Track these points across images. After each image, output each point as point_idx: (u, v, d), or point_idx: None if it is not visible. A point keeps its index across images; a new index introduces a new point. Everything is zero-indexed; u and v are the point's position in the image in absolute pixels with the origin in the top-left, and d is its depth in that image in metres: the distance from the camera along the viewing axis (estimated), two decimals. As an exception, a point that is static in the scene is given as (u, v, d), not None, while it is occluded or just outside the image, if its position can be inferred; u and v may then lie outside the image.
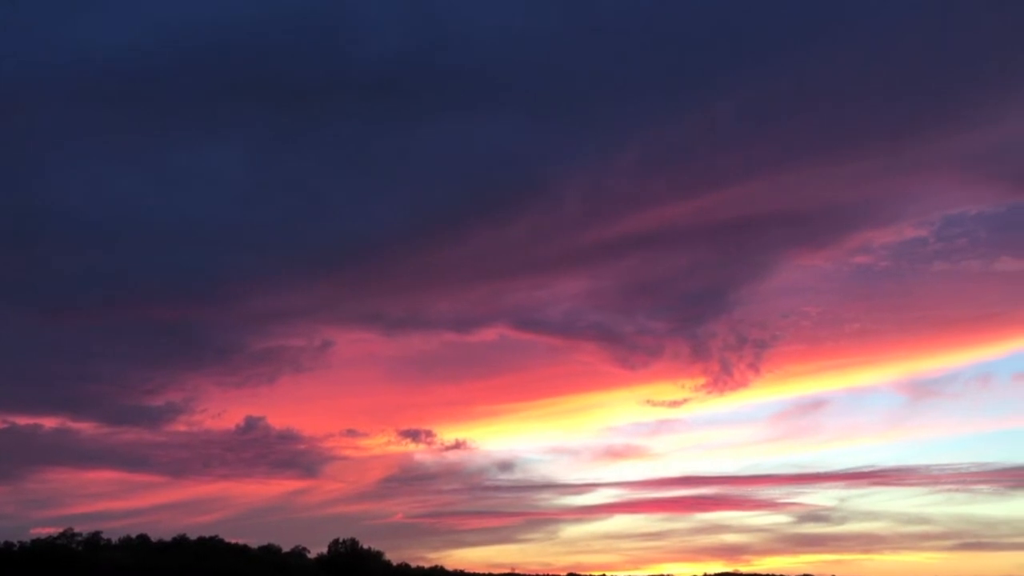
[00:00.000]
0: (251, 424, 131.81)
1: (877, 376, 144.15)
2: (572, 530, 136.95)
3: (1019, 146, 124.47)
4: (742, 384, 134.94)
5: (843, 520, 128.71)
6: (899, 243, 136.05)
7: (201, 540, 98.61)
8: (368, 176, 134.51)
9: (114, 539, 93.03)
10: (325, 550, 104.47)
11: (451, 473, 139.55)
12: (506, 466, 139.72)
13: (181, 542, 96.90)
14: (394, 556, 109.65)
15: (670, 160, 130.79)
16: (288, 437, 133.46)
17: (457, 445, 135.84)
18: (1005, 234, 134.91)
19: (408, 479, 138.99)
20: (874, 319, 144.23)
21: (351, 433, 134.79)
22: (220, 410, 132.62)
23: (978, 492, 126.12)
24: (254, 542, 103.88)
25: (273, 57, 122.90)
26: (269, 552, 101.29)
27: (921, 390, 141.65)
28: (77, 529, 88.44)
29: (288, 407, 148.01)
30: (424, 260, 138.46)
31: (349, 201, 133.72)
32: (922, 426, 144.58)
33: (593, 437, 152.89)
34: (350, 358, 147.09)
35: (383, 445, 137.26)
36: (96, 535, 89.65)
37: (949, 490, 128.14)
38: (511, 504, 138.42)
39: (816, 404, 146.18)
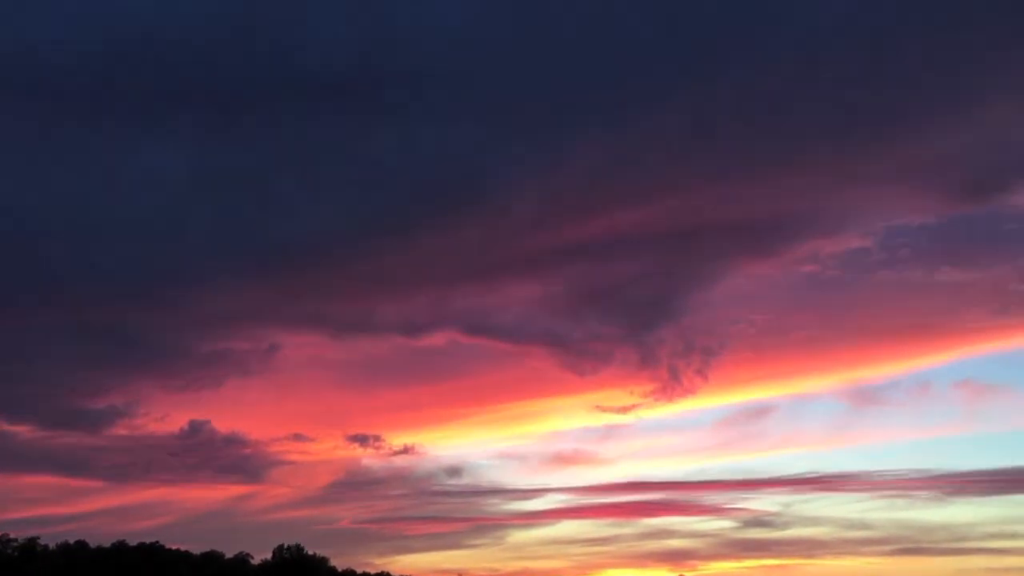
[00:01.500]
0: (195, 428, 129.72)
1: (821, 384, 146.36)
2: (520, 535, 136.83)
3: (960, 159, 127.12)
4: (690, 391, 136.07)
5: (787, 525, 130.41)
6: (844, 252, 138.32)
7: (141, 546, 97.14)
8: (316, 178, 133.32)
9: (51, 545, 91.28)
10: (270, 556, 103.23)
11: (399, 478, 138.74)
12: (454, 471, 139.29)
13: (120, 548, 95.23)
14: (340, 562, 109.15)
15: (621, 168, 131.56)
16: (233, 441, 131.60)
17: (405, 450, 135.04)
18: (946, 245, 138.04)
19: (355, 484, 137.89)
20: (819, 327, 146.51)
21: (298, 438, 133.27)
22: (163, 414, 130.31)
23: (917, 498, 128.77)
24: (196, 548, 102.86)
25: (219, 56, 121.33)
26: (211, 558, 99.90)
27: (863, 397, 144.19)
28: (13, 535, 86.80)
29: (234, 411, 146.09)
30: (373, 264, 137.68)
31: (297, 203, 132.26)
32: (864, 433, 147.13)
33: (542, 443, 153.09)
34: (297, 362, 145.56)
35: (330, 450, 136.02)
36: (33, 541, 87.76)
37: (889, 496, 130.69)
38: (459, 509, 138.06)
39: (761, 411, 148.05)
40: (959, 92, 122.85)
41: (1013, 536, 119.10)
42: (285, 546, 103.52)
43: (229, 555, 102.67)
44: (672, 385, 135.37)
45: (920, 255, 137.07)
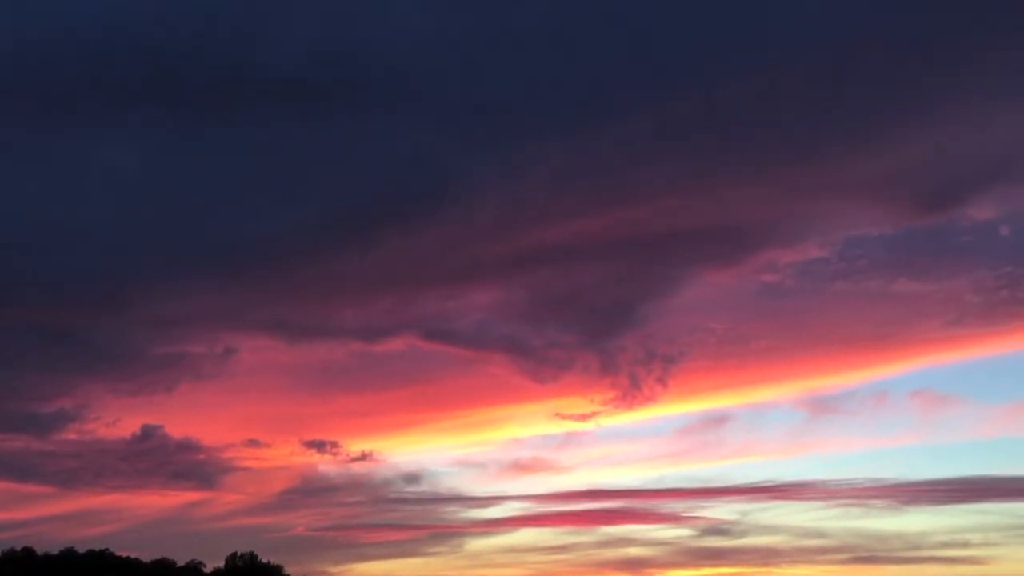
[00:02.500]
0: (147, 433, 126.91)
1: (779, 392, 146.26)
2: (478, 543, 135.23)
3: (918, 171, 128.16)
4: (650, 399, 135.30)
5: (743, 533, 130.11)
6: (803, 262, 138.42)
7: (90, 553, 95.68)
8: (274, 179, 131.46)
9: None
10: (222, 564, 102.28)
11: (355, 485, 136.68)
12: (412, 478, 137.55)
13: (69, 555, 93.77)
14: (295, 570, 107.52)
15: (584, 174, 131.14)
16: (187, 447, 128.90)
17: (363, 456, 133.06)
18: (903, 256, 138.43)
19: (311, 491, 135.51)
20: (778, 336, 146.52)
21: (253, 443, 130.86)
22: (114, 418, 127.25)
23: (872, 507, 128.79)
24: (147, 556, 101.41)
25: (177, 54, 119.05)
26: (162, 566, 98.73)
27: (820, 407, 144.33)
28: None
29: (187, 416, 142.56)
30: (332, 267, 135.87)
31: (254, 204, 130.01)
32: (820, 442, 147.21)
33: (501, 450, 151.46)
34: (253, 366, 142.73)
35: (286, 456, 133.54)
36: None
37: (845, 505, 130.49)
38: (416, 517, 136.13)
39: (720, 419, 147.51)
40: (918, 105, 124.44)
41: (965, 545, 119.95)
42: (238, 554, 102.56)
43: (181, 563, 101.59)
44: (632, 393, 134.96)
45: (878, 266, 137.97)
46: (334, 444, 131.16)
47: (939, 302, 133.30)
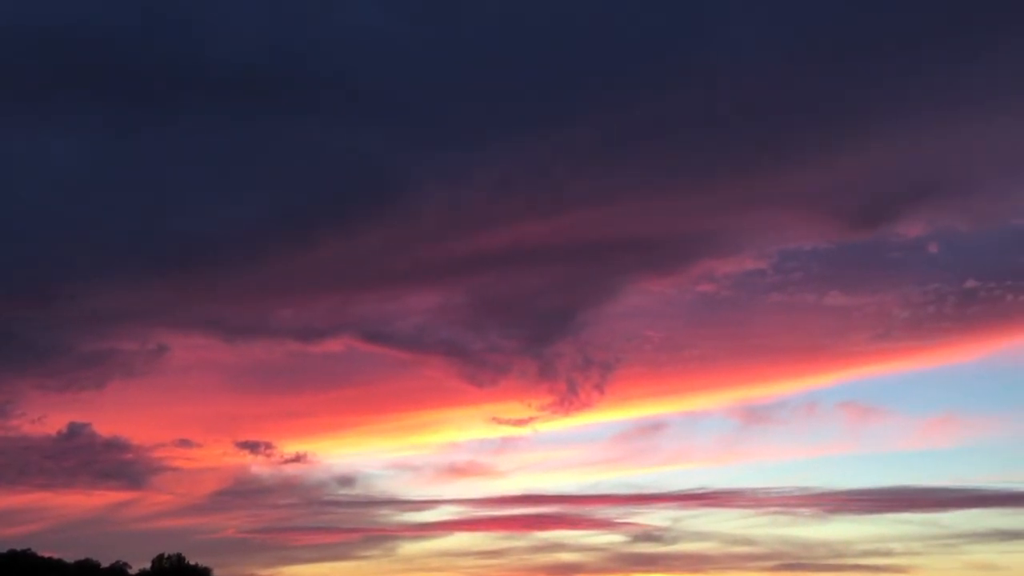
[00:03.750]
0: (74, 431, 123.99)
1: (712, 401, 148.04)
2: (411, 547, 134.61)
3: (852, 187, 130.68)
4: (587, 405, 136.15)
5: (675, 540, 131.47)
6: (739, 273, 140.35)
7: (12, 553, 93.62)
8: (214, 175, 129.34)
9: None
10: (148, 565, 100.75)
11: (288, 487, 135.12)
12: (346, 481, 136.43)
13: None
14: (223, 572, 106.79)
15: (529, 179, 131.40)
16: (115, 446, 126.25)
17: (297, 458, 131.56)
18: (836, 270, 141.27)
19: (243, 492, 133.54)
20: (713, 346, 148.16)
21: (184, 443, 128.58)
22: (40, 415, 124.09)
23: (800, 515, 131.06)
24: (71, 556, 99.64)
25: (119, 43, 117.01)
26: (86, 567, 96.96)
27: (752, 416, 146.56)
28: None
29: (117, 414, 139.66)
30: (270, 265, 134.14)
31: (192, 200, 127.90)
32: (751, 450, 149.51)
33: (437, 454, 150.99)
34: (187, 364, 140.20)
35: (218, 456, 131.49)
36: None
37: (773, 512, 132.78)
38: (350, 520, 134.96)
39: (655, 427, 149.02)
40: (852, 121, 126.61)
41: (888, 554, 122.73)
42: (165, 555, 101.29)
43: (105, 564, 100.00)
44: (570, 399, 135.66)
45: (811, 279, 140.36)
46: (268, 445, 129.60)
47: (868, 316, 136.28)
